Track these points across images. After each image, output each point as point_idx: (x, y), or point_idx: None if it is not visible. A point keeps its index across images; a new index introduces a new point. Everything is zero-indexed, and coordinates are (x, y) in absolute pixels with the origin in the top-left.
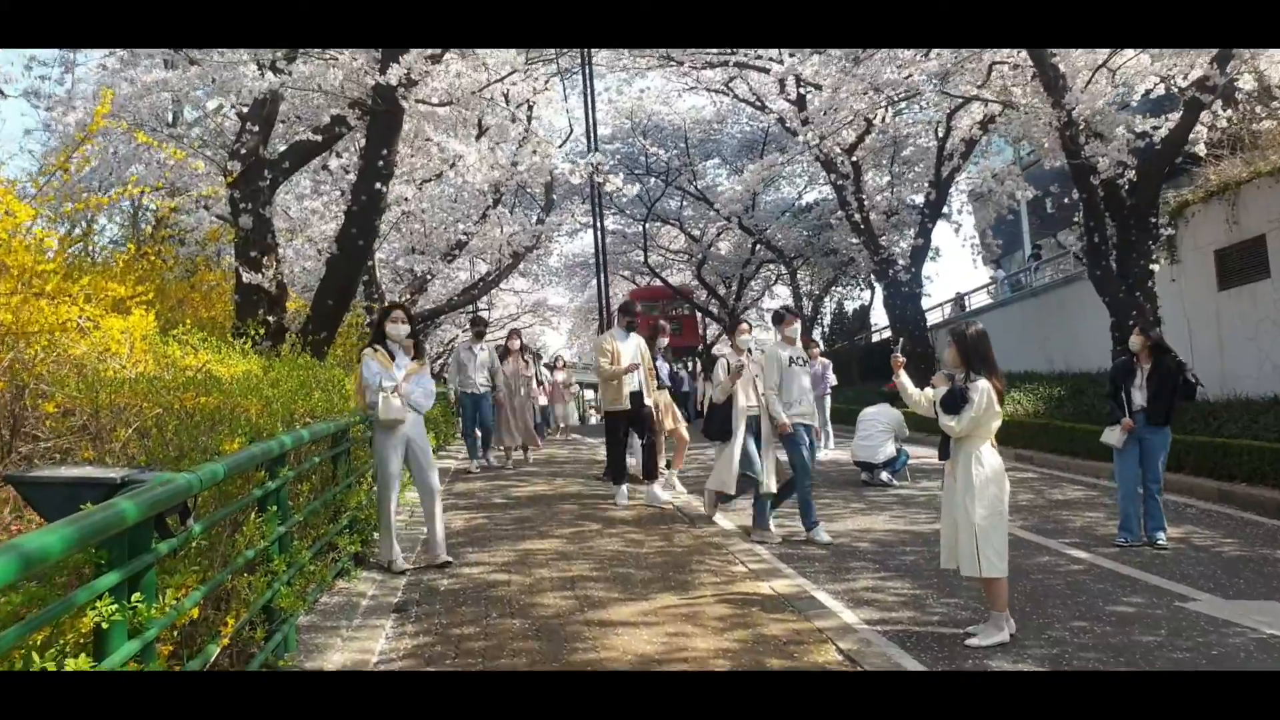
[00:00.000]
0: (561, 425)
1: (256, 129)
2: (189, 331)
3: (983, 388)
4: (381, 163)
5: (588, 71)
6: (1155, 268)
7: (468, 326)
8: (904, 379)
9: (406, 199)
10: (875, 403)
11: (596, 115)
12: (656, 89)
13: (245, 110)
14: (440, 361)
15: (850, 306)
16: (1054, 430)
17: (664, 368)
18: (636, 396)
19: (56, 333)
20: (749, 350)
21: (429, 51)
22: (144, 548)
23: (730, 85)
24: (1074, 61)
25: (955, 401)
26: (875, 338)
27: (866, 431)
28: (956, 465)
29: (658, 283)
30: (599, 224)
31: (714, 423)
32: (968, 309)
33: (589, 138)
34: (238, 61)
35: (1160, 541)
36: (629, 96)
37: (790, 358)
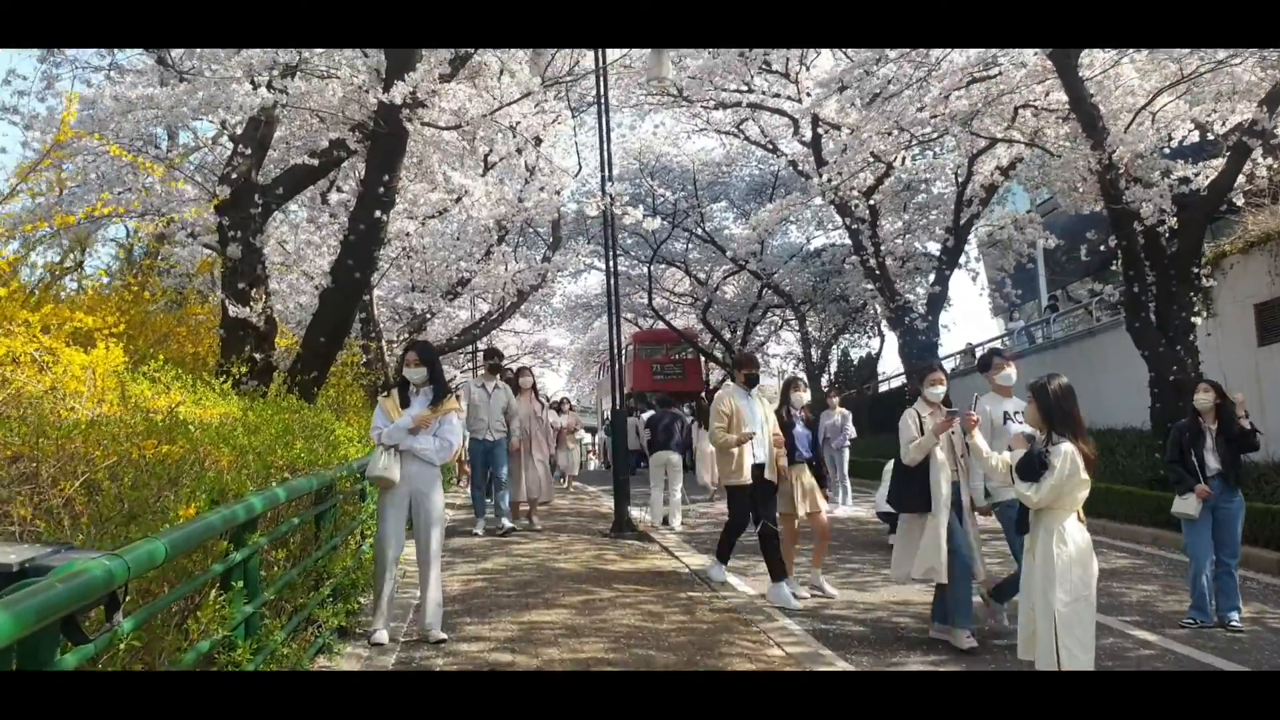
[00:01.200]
0: (566, 475)
1: (249, 152)
2: (163, 368)
3: (1066, 451)
4: (382, 189)
5: (603, 96)
6: (1197, 320)
7: (470, 365)
8: (979, 440)
9: (408, 234)
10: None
11: (610, 150)
12: (666, 129)
13: (238, 133)
14: None
15: (856, 355)
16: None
17: (803, 435)
18: (759, 469)
19: (7, 367)
20: (945, 405)
21: (436, 70)
22: (40, 663)
23: (741, 127)
24: (1112, 103)
25: (1033, 467)
26: (883, 387)
27: None
28: (1036, 542)
29: (661, 325)
30: (611, 258)
31: (907, 490)
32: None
33: (603, 166)
34: (230, 78)
35: (1234, 622)
36: (638, 136)
37: (1007, 413)
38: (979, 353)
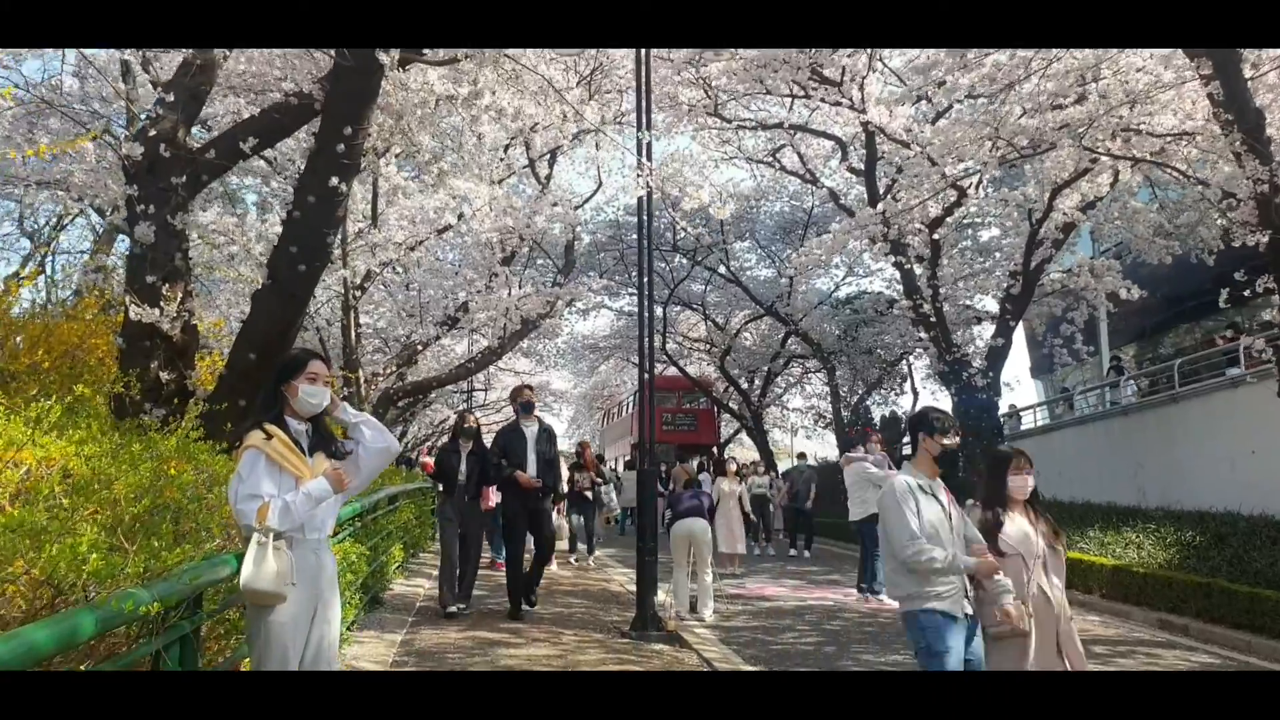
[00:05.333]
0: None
1: (172, 98)
2: None
3: None
4: (343, 148)
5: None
6: None
7: (465, 404)
8: None
9: (399, 244)
10: None
11: (647, 119)
12: (693, 155)
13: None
14: (432, 443)
15: (878, 413)
16: (1219, 594)
17: None
18: None
19: None
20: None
21: None
22: None
23: (778, 155)
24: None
25: None
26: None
27: None
28: None
29: (673, 372)
30: (646, 255)
31: None
32: (1023, 425)
33: (640, 111)
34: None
35: None
36: (662, 163)
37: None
38: (1027, 417)
